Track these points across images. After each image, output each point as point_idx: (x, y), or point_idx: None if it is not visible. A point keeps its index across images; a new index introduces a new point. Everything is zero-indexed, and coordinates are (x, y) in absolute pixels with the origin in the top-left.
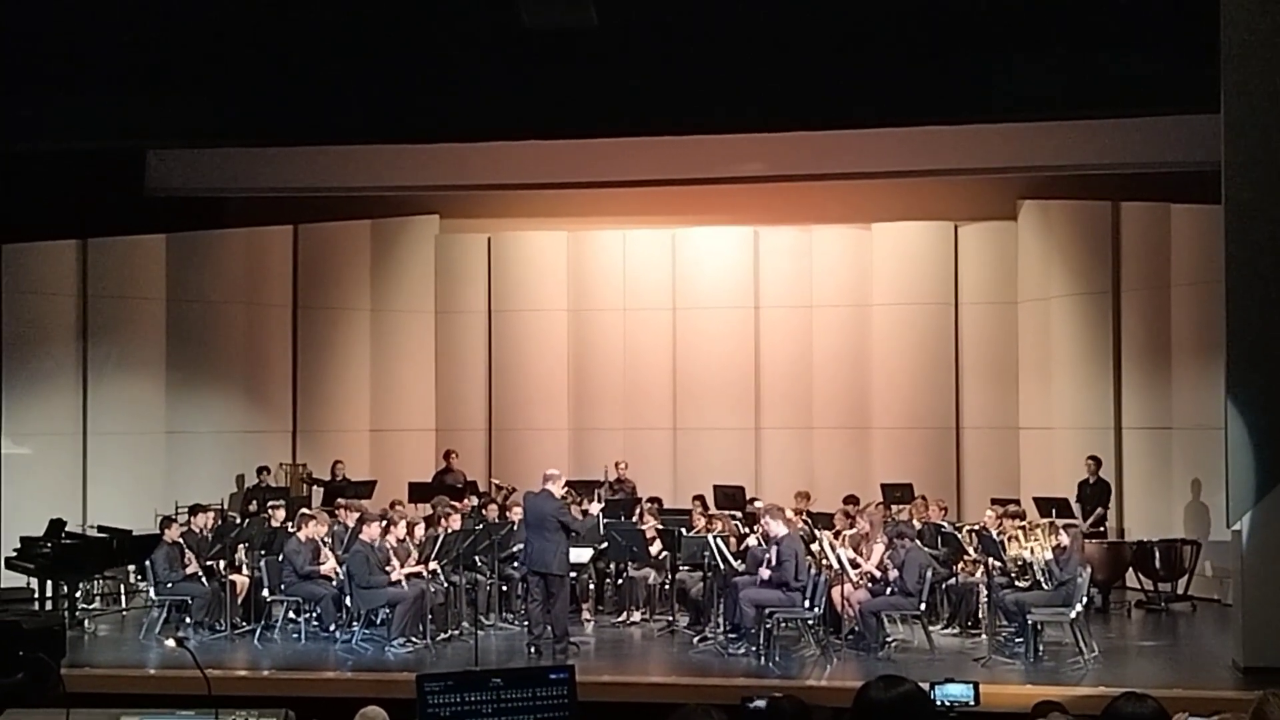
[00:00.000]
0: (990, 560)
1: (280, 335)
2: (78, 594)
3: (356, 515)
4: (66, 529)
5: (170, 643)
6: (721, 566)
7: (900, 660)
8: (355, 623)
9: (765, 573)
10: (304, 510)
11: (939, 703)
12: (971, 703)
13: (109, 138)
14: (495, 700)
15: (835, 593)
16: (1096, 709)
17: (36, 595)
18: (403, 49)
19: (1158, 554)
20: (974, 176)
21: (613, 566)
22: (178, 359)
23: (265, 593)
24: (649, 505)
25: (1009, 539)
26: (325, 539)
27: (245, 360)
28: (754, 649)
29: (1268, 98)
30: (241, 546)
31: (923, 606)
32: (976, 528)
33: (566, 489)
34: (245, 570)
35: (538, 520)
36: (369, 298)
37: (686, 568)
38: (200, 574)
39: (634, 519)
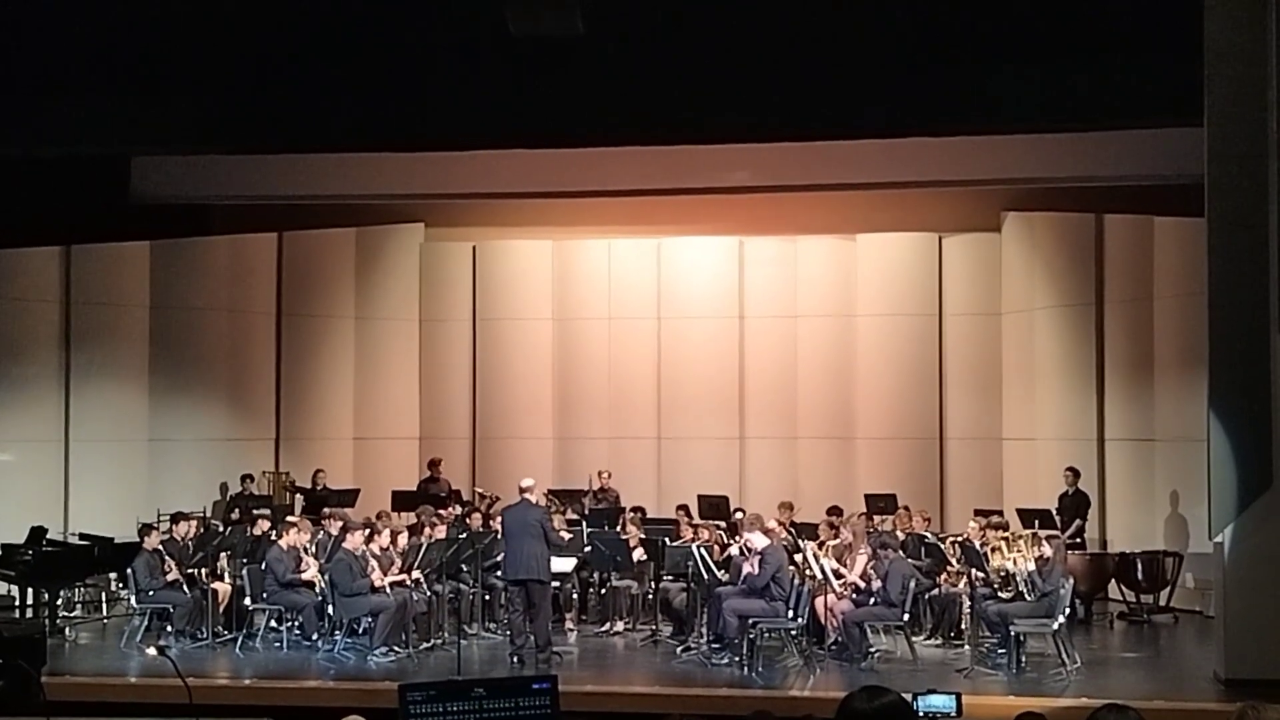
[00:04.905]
0: (973, 571)
1: (264, 343)
2: (59, 602)
3: (340, 524)
4: (48, 536)
5: (151, 651)
6: (705, 576)
7: (883, 671)
8: (337, 631)
9: (749, 567)
10: (288, 518)
11: (921, 713)
12: (954, 714)
13: (93, 144)
14: (478, 710)
15: (819, 603)
16: None
17: (17, 603)
18: (388, 57)
19: (1140, 566)
20: (958, 188)
21: (596, 576)
22: (161, 366)
23: (247, 601)
24: (631, 515)
25: (992, 550)
26: (308, 546)
27: (229, 368)
28: (737, 659)
29: (1250, 112)
30: (224, 554)
31: (906, 617)
32: (960, 539)
33: (549, 497)
34: (227, 578)
35: (520, 528)
36: (353, 305)
37: (669, 577)
38: (181, 582)
39: (617, 528)
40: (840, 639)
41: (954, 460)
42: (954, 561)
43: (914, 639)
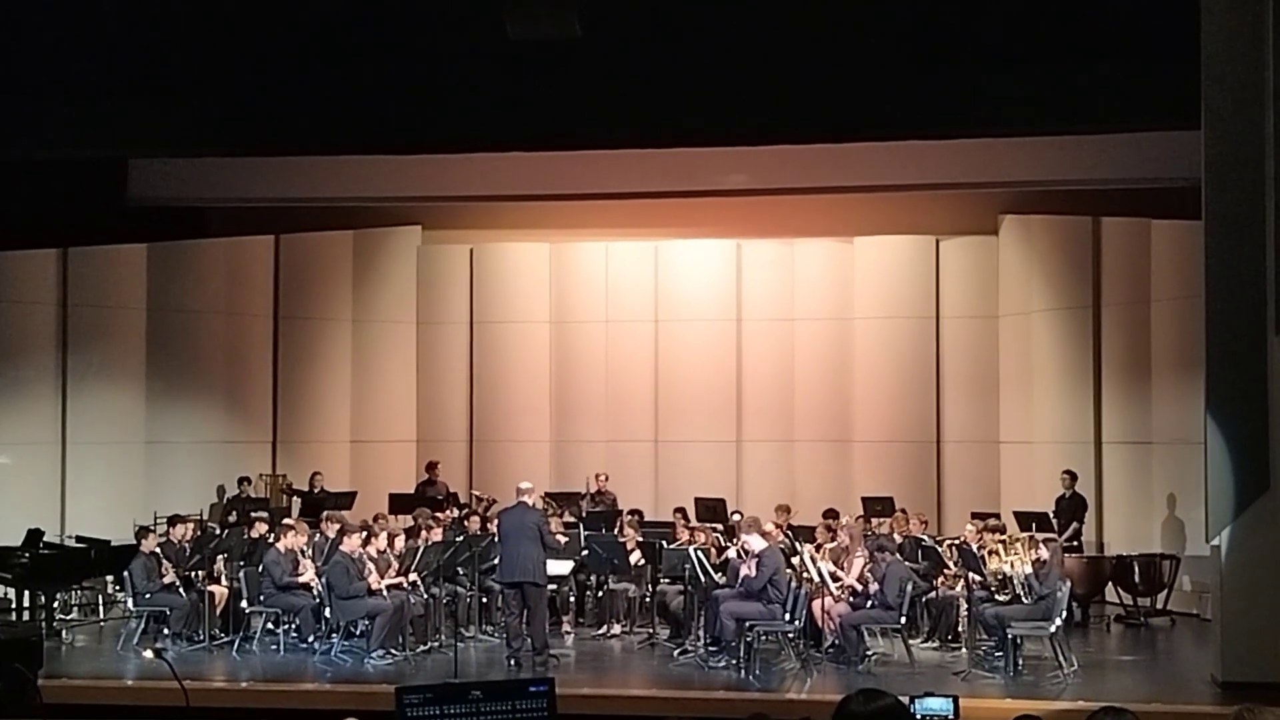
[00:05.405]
0: (970, 574)
1: (261, 345)
2: (55, 604)
3: (337, 526)
4: (44, 539)
5: (148, 654)
6: (702, 579)
7: (880, 674)
8: (334, 634)
9: (746, 570)
10: (285, 520)
11: (919, 716)
12: (951, 716)
13: (90, 147)
14: (475, 713)
15: (816, 606)
16: None
17: (14, 606)
18: (386, 60)
19: (1137, 568)
20: (955, 191)
21: (593, 579)
22: (158, 369)
23: (244, 604)
24: (630, 518)
25: (989, 553)
26: (305, 549)
27: (226, 370)
28: (734, 662)
29: (1247, 114)
30: (220, 557)
31: (903, 620)
32: (957, 541)
33: (546, 500)
34: (224, 581)
35: (517, 530)
36: (350, 308)
37: (667, 580)
38: (178, 584)
39: (614, 531)
40: (837, 642)
41: (951, 463)
42: (951, 564)
43: (911, 642)
